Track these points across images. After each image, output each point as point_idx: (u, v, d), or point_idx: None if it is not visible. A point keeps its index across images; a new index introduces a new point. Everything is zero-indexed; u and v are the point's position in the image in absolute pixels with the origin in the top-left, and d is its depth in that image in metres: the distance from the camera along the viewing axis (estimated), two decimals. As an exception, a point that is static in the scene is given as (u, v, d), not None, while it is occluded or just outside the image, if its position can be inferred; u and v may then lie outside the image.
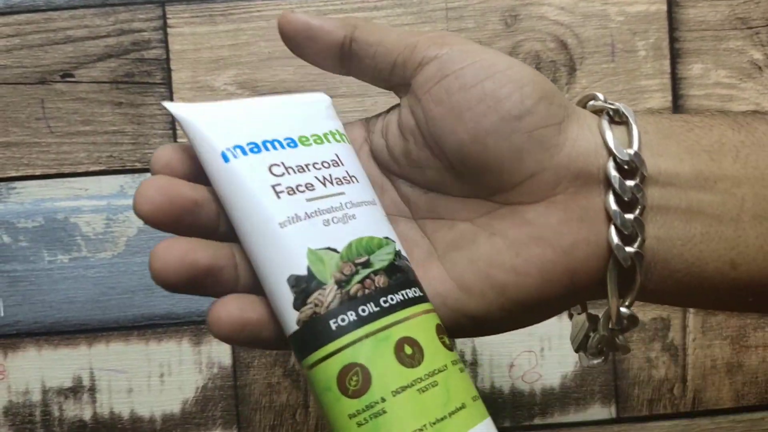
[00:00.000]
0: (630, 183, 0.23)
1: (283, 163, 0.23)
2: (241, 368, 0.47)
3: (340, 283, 0.22)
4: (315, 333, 0.22)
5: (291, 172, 0.23)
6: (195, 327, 0.47)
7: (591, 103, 0.26)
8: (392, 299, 0.23)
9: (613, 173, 0.23)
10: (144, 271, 0.47)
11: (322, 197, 0.23)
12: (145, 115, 0.46)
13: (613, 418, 0.48)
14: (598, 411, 0.48)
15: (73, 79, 0.46)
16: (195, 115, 0.24)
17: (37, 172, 0.47)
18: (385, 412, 0.21)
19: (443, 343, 0.23)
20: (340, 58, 0.26)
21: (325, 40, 0.26)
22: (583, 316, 0.28)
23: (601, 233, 0.24)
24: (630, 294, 0.24)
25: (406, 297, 0.23)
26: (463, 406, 0.22)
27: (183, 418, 0.47)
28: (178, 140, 0.46)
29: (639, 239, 0.24)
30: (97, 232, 0.47)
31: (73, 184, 0.47)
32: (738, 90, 0.47)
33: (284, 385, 0.47)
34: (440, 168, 0.25)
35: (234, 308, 0.23)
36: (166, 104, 0.24)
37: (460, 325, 0.25)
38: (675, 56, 0.47)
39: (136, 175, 0.47)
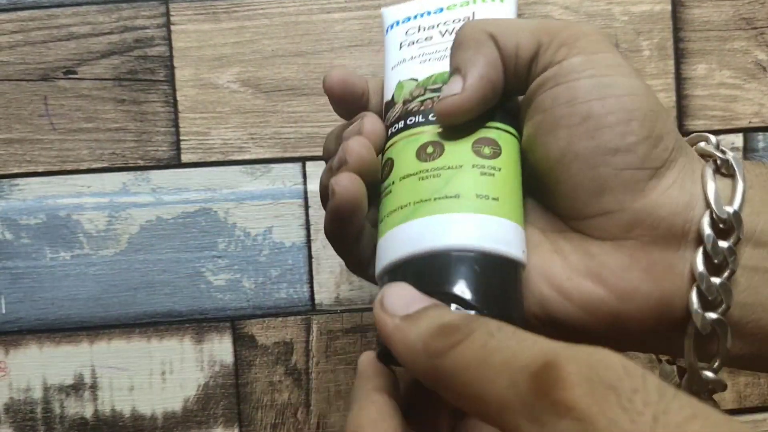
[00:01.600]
0: (723, 244, 0.21)
1: (420, 26, 0.29)
2: (243, 366, 0.47)
3: (406, 102, 0.27)
4: None
5: (421, 30, 0.29)
6: (197, 325, 0.47)
7: (701, 144, 0.24)
8: None
9: (708, 231, 0.21)
10: (146, 269, 0.47)
11: (434, 44, 0.28)
12: (148, 112, 0.46)
13: None
14: None
15: (75, 76, 0.46)
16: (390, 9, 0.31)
17: (40, 169, 0.47)
18: (391, 192, 0.25)
19: (477, 151, 0.24)
20: None
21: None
22: (673, 368, 0.26)
23: (666, 290, 0.22)
24: (714, 359, 0.23)
25: None
26: (456, 196, 0.23)
27: (184, 416, 0.47)
28: (181, 138, 0.46)
29: (723, 306, 0.22)
30: (100, 230, 0.47)
31: (75, 181, 0.47)
32: (742, 90, 0.47)
33: (286, 383, 0.47)
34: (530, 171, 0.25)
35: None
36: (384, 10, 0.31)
37: None
38: (679, 56, 0.47)
39: (139, 172, 0.47)
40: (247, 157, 0.47)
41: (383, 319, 0.20)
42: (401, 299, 0.20)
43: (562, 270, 0.23)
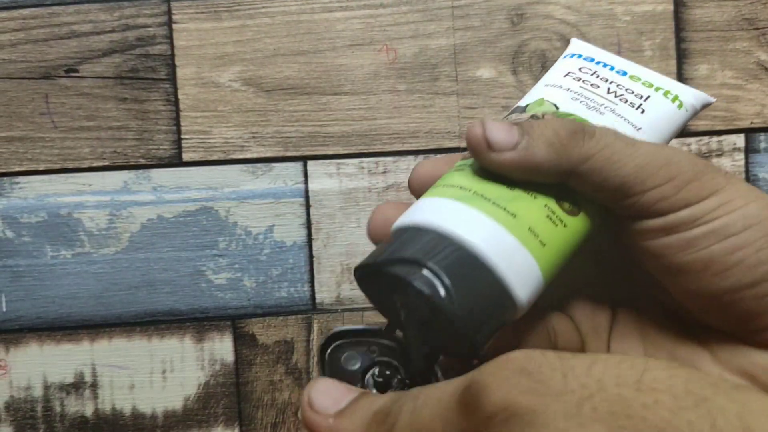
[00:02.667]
0: None
1: (596, 72, 0.29)
2: (243, 365, 0.47)
3: (533, 117, 0.26)
4: None
5: (594, 75, 0.29)
6: (197, 324, 0.47)
7: None
8: None
9: None
10: (147, 267, 0.47)
11: (595, 94, 0.28)
12: (150, 111, 0.46)
13: None
14: None
15: (77, 75, 0.46)
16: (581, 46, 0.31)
17: (41, 167, 0.46)
18: (463, 170, 0.25)
19: (558, 197, 0.24)
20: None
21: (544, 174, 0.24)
22: None
23: None
24: None
25: None
26: (514, 215, 0.23)
27: (185, 414, 0.47)
28: (183, 136, 0.46)
29: None
30: (101, 228, 0.47)
31: (76, 179, 0.47)
32: (744, 91, 0.47)
33: (286, 382, 0.47)
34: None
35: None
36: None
37: None
38: (681, 56, 0.47)
39: (140, 171, 0.46)
40: (248, 155, 0.47)
41: (315, 420, 0.20)
42: (329, 396, 0.20)
43: (712, 365, 0.23)
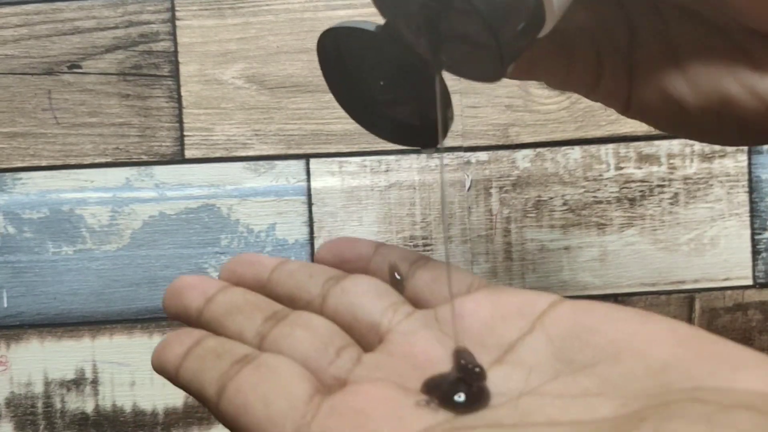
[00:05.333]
0: None
1: None
2: (244, 363, 0.47)
3: None
4: None
5: None
6: (199, 321, 0.47)
7: None
8: None
9: None
10: (148, 264, 0.47)
11: None
12: (152, 107, 0.46)
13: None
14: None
15: (80, 71, 0.46)
16: None
17: (43, 163, 0.46)
18: None
19: None
20: None
21: None
22: None
23: None
24: None
25: None
26: None
27: (185, 412, 0.47)
28: (185, 134, 0.46)
29: None
30: (102, 225, 0.47)
31: (78, 175, 0.47)
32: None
33: (287, 380, 0.47)
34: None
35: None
36: None
37: None
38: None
39: (142, 167, 0.46)
40: (250, 153, 0.46)
41: None
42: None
43: (753, 71, 0.21)
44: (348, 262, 0.25)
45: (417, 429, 0.17)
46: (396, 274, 0.24)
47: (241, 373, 0.19)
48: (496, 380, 0.18)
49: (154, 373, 0.22)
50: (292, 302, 0.24)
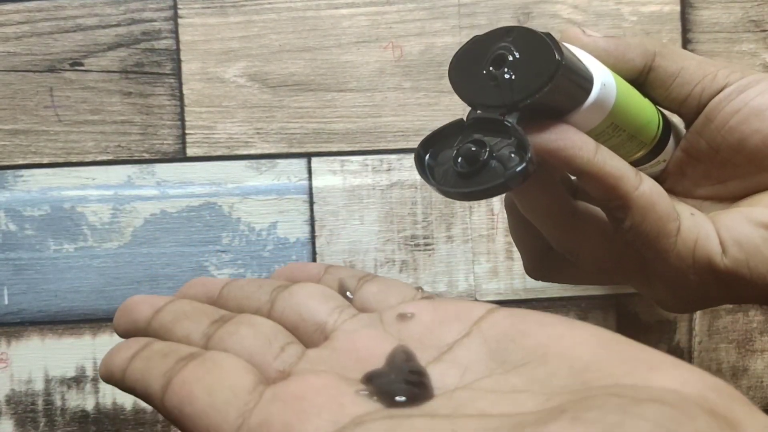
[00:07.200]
0: None
1: None
2: (245, 361, 0.47)
3: None
4: None
5: None
6: (199, 319, 0.47)
7: None
8: None
9: None
10: (150, 262, 0.47)
11: None
12: (154, 105, 0.46)
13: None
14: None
15: (82, 68, 0.46)
16: None
17: (45, 161, 0.46)
18: None
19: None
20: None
21: (623, 68, 0.27)
22: None
23: None
24: None
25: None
26: None
27: (186, 410, 0.47)
28: (187, 132, 0.46)
29: None
30: (104, 222, 0.47)
31: (80, 173, 0.46)
32: (750, 93, 0.47)
33: (288, 379, 0.47)
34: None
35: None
36: None
37: None
38: (687, 57, 0.47)
39: (144, 165, 0.46)
40: (252, 151, 0.46)
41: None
42: None
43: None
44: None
45: (356, 414, 0.17)
46: (347, 293, 0.25)
47: (186, 368, 0.20)
48: (433, 376, 0.19)
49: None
50: (240, 311, 0.24)
